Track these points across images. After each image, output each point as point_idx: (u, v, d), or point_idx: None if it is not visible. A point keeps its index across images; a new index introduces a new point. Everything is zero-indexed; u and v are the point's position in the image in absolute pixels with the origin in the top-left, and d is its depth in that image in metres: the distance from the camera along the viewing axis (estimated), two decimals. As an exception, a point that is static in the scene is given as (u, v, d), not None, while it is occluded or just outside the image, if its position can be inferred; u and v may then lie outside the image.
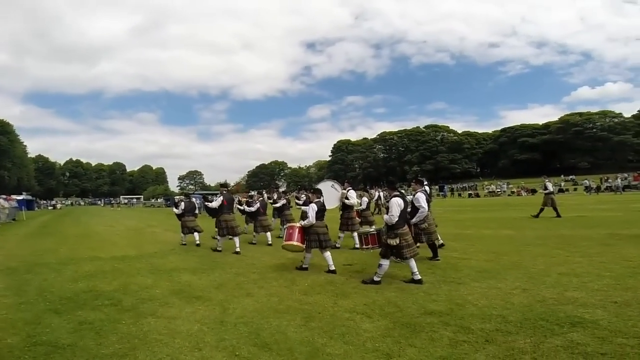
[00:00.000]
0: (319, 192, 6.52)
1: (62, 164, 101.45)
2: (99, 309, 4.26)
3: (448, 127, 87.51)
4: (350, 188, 8.72)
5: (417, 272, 5.04)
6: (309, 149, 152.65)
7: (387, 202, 5.58)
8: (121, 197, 77.90)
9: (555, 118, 78.07)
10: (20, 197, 36.82)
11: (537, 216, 13.47)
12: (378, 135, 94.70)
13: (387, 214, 5.14)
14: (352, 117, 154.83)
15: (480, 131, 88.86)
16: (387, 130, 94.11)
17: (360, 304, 4.22)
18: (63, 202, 71.69)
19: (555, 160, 71.34)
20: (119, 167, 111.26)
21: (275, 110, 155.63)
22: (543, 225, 11.41)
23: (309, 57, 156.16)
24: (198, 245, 9.41)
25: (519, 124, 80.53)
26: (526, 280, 5.00)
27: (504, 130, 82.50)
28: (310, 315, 3.91)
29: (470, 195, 39.64)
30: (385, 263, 5.03)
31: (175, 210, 10.29)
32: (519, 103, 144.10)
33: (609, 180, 37.20)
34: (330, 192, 8.04)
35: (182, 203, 10.16)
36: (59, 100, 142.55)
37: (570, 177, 55.56)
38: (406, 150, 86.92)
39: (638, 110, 69.40)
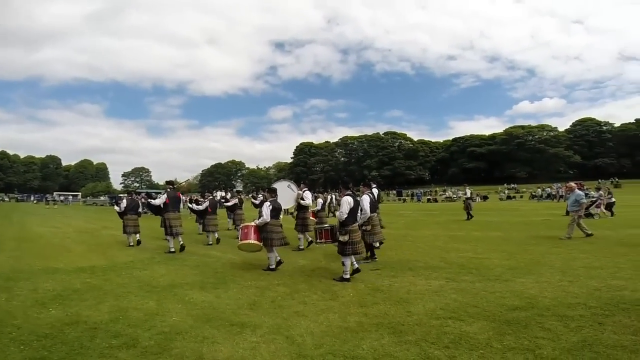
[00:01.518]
0: (273, 192, 6.62)
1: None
2: (111, 355, 2.93)
3: (405, 134, 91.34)
4: (306, 189, 8.89)
5: (348, 271, 5.33)
6: (267, 150, 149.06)
7: (339, 201, 6.06)
8: (55, 193, 69.29)
9: (498, 130, 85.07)
10: None
11: (468, 219, 15.23)
12: (340, 139, 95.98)
13: (338, 211, 5.60)
14: (314, 120, 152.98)
15: (432, 140, 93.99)
16: (348, 135, 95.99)
17: (431, 308, 4.00)
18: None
19: (498, 170, 77.58)
20: (52, 160, 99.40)
21: (235, 108, 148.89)
22: (525, 227, 12.17)
23: (276, 57, 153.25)
24: (131, 246, 9.30)
25: (468, 134, 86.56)
26: (562, 274, 5.37)
27: (455, 140, 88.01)
28: (395, 328, 3.42)
29: (429, 200, 41.30)
30: (347, 261, 5.35)
31: (116, 208, 10.01)
32: (466, 114, 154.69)
33: (547, 190, 41.30)
34: (287, 192, 8.23)
35: (124, 201, 9.77)
36: None
37: (512, 185, 60.76)
38: (366, 155, 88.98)
39: (570, 125, 78.40)
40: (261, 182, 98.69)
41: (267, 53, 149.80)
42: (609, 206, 15.76)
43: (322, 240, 6.67)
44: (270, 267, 6.13)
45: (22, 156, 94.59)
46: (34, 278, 5.64)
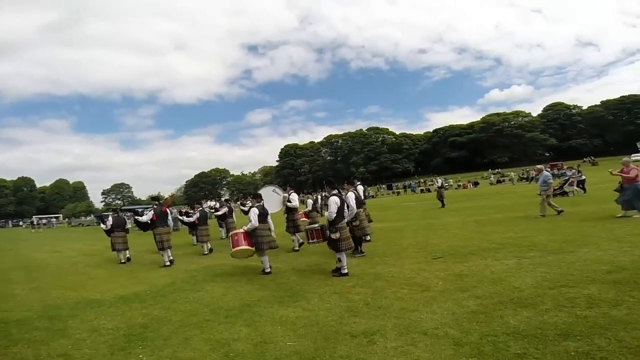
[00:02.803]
0: (258, 197, 6.91)
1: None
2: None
3: (387, 129, 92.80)
4: (292, 191, 9.24)
5: (346, 266, 5.65)
6: (248, 155, 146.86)
7: (326, 202, 6.23)
8: (34, 217, 65.96)
9: (472, 119, 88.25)
10: None
11: (443, 206, 16.44)
12: (324, 138, 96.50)
13: (327, 211, 5.78)
14: (294, 122, 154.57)
15: (412, 132, 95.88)
16: (332, 134, 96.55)
17: (533, 282, 4.26)
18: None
19: (479, 157, 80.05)
20: (26, 182, 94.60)
21: (211, 115, 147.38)
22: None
23: (250, 61, 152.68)
24: (129, 260, 9.55)
25: (447, 125, 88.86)
26: (618, 242, 5.80)
27: (435, 131, 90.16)
28: (521, 302, 3.64)
29: (422, 191, 42.14)
30: (342, 256, 5.67)
31: (102, 226, 10.21)
32: (441, 106, 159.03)
33: (531, 172, 43.16)
34: (272, 197, 8.49)
35: (110, 218, 10.08)
36: None
37: (496, 170, 62.90)
38: (351, 152, 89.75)
39: (542, 110, 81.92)
40: (248, 188, 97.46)
41: (240, 57, 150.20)
42: (580, 183, 16.94)
43: (314, 240, 6.89)
44: (265, 270, 6.33)
45: None
46: (80, 314, 4.86)
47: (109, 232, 9.78)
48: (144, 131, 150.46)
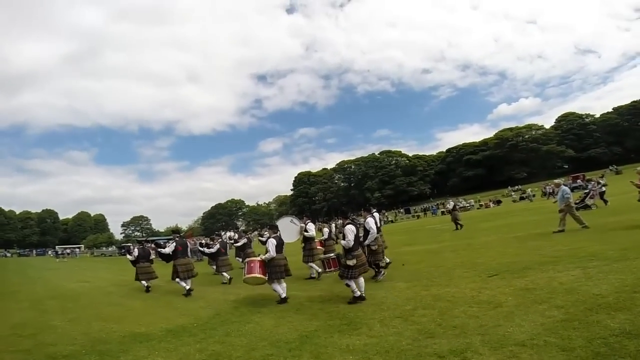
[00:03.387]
0: (275, 228, 7.19)
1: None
2: None
3: (400, 151, 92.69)
4: (309, 221, 9.51)
5: (357, 290, 5.72)
6: (262, 185, 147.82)
7: (341, 230, 6.56)
8: (57, 247, 67.30)
9: (484, 136, 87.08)
10: None
11: (457, 229, 16.12)
12: (337, 164, 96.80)
13: (343, 239, 5.90)
14: (305, 149, 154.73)
15: (425, 153, 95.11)
16: (344, 160, 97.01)
17: (613, 289, 4.10)
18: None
19: (497, 174, 78.61)
20: (49, 214, 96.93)
21: (225, 145, 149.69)
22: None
23: (259, 90, 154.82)
24: (148, 290, 9.73)
25: (460, 143, 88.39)
26: None
27: (448, 150, 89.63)
28: (613, 306, 3.57)
29: (442, 213, 41.23)
30: (351, 283, 5.72)
31: (128, 257, 10.85)
32: (451, 124, 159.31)
33: (548, 187, 41.87)
34: (290, 227, 8.69)
35: (136, 249, 10.70)
36: None
37: (516, 187, 61.39)
38: (365, 177, 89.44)
39: (554, 122, 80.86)
40: (263, 218, 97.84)
41: (249, 86, 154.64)
42: (601, 195, 16.24)
43: (331, 269, 7.05)
44: (282, 297, 6.49)
45: (17, 212, 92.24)
46: (131, 350, 4.52)
47: (134, 262, 10.38)
48: (161, 162, 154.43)
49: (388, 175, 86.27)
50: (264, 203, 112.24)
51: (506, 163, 77.55)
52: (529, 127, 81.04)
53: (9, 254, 65.60)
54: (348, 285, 5.77)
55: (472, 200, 45.41)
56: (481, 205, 40.41)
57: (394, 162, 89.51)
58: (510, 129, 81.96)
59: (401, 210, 58.45)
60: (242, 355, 3.96)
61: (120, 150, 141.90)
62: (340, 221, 17.00)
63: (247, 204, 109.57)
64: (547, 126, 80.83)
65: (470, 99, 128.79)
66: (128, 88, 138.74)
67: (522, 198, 39.46)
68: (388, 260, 8.19)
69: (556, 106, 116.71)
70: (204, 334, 4.97)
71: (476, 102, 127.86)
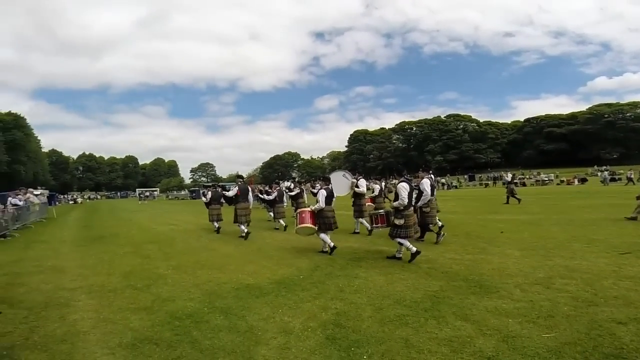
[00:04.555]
0: (327, 180, 7.19)
1: (75, 158, 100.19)
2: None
3: (470, 116, 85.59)
4: (361, 177, 9.48)
5: (412, 246, 5.60)
6: (316, 141, 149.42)
7: (391, 189, 6.10)
8: (137, 190, 76.60)
9: (571, 109, 77.30)
10: (46, 192, 35.67)
11: (507, 202, 15.72)
12: (396, 125, 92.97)
13: (395, 199, 5.68)
14: (361, 108, 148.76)
15: (496, 121, 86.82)
16: (404, 121, 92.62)
17: None
18: (83, 195, 70.71)
19: (583, 151, 69.56)
20: (131, 160, 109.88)
21: (283, 101, 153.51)
22: None
23: (317, 47, 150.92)
24: (218, 231, 10.23)
25: (542, 114, 78.68)
26: None
27: (527, 120, 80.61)
28: None
29: (515, 184, 37.97)
30: (405, 242, 5.60)
31: (203, 199, 11.48)
32: (532, 93, 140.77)
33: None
34: (342, 181, 8.59)
35: (209, 193, 11.21)
36: (67, 95, 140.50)
37: (604, 167, 54.03)
38: (427, 139, 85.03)
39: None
40: (316, 171, 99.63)
41: (308, 44, 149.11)
42: None
43: (378, 225, 7.06)
44: (324, 249, 6.59)
45: (105, 158, 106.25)
46: (252, 307, 3.97)
47: (207, 204, 11.05)
48: (225, 116, 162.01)
49: (454, 140, 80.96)
50: (318, 157, 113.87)
51: (596, 141, 68.01)
52: (634, 105, 68.84)
53: (98, 197, 76.48)
54: (401, 244, 5.68)
55: (553, 175, 41.12)
56: (562, 181, 36.45)
57: (461, 126, 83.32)
58: (609, 105, 70.61)
59: (465, 177, 55.22)
60: (373, 315, 3.54)
61: (190, 105, 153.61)
62: (391, 179, 16.58)
63: (302, 157, 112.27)
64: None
65: (559, 68, 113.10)
66: (195, 48, 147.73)
67: (612, 179, 34.66)
68: (441, 223, 8.11)
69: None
70: (317, 289, 4.49)
71: (567, 72, 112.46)
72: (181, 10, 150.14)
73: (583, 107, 77.26)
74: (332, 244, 6.52)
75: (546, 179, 37.53)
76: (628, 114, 67.98)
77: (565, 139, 71.84)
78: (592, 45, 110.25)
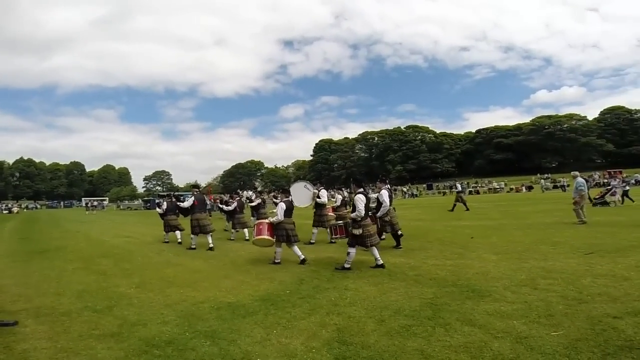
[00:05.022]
0: (287, 192, 7.31)
1: (10, 163, 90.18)
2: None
3: (427, 127, 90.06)
4: (322, 188, 9.80)
5: (380, 258, 5.78)
6: (280, 149, 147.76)
7: (351, 199, 6.36)
8: (83, 199, 70.48)
9: (516, 120, 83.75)
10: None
11: (452, 210, 16.47)
12: (359, 135, 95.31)
13: (353, 211, 5.76)
14: (326, 118, 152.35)
15: (450, 132, 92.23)
16: (367, 130, 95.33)
17: None
18: (20, 205, 63.52)
19: (527, 160, 75.81)
20: (77, 167, 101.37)
21: (247, 109, 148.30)
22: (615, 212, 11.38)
23: (285, 56, 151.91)
24: (180, 243, 9.96)
25: (492, 125, 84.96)
26: None
27: (478, 131, 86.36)
28: None
29: (470, 192, 40.49)
30: (352, 251, 5.75)
31: (158, 210, 11.27)
32: (482, 106, 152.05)
33: (593, 178, 40.28)
34: (303, 192, 8.63)
35: (164, 203, 11.15)
36: (3, 94, 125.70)
37: (545, 175, 59.31)
38: (388, 149, 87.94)
39: (599, 114, 76.10)
40: (280, 180, 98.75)
41: (276, 52, 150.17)
42: (625, 193, 15.90)
43: (337, 236, 7.16)
44: (276, 261, 6.55)
45: (47, 163, 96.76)
46: (242, 329, 3.52)
47: (163, 215, 10.89)
48: (183, 122, 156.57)
49: (412, 150, 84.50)
50: (282, 166, 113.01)
51: (538, 150, 74.47)
52: (570, 117, 76.62)
53: (38, 206, 69.34)
54: (348, 253, 5.77)
55: (503, 183, 44.25)
56: (511, 189, 39.37)
57: (419, 137, 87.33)
58: (549, 117, 77.78)
59: (424, 186, 57.74)
60: (377, 328, 3.34)
61: (145, 109, 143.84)
62: (351, 188, 16.77)
63: (266, 165, 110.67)
64: (589, 118, 76.40)
65: (507, 81, 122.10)
66: (156, 51, 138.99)
67: (555, 187, 38.13)
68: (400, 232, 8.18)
69: (601, 98, 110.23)
70: (308, 304, 4.17)
71: (513, 86, 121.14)
72: (145, 11, 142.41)
73: (527, 119, 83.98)
74: (302, 256, 6.47)
75: (497, 187, 40.36)
76: (565, 125, 75.17)
77: (512, 149, 77.78)
78: (536, 60, 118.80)
